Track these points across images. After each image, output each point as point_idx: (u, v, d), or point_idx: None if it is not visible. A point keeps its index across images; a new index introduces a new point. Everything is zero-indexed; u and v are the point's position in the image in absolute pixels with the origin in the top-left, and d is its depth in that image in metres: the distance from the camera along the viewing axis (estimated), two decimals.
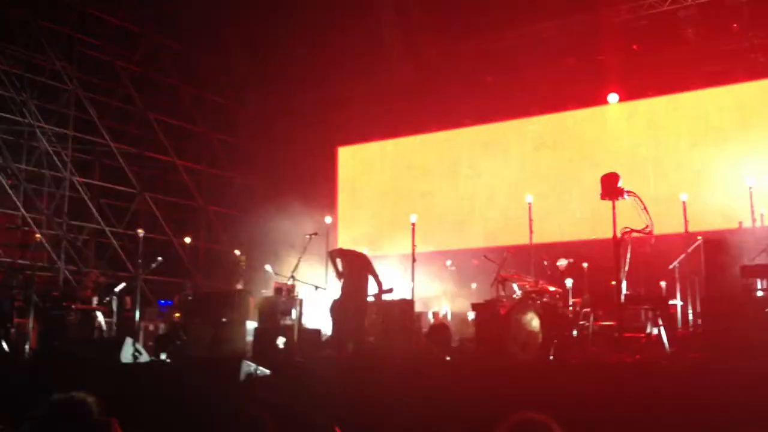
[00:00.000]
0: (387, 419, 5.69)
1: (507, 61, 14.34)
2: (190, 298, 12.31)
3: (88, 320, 11.50)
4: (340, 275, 9.15)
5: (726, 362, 6.05)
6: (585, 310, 8.70)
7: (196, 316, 10.61)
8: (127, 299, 12.96)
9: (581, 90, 13.67)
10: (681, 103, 13.30)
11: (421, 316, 10.35)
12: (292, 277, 10.35)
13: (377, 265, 9.57)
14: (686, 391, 5.66)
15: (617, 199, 7.56)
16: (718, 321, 7.44)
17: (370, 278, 9.19)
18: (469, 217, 14.50)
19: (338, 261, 9.28)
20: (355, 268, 9.22)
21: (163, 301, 14.80)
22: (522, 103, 14.27)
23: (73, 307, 11.52)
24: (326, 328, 9.92)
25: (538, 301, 8.47)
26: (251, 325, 10.31)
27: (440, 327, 9.07)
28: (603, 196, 7.68)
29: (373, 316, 9.50)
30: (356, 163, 16.92)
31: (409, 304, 9.78)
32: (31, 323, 10.85)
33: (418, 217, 10.61)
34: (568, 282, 9.64)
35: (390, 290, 9.45)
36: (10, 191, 14.45)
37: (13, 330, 10.82)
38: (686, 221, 9.87)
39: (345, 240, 15.58)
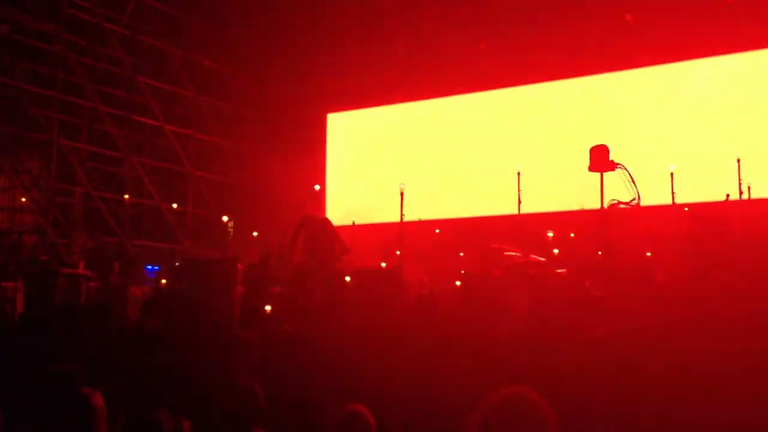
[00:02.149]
0: (372, 389, 5.70)
1: (499, 30, 14.24)
2: (177, 264, 12.30)
3: (75, 285, 11.48)
4: (291, 245, 9.29)
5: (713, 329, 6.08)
6: (572, 280, 8.72)
7: (183, 282, 10.57)
8: (115, 264, 12.94)
9: (572, 59, 13.59)
10: (671, 73, 13.25)
11: (408, 285, 10.34)
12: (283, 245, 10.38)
13: (366, 234, 9.68)
14: (675, 363, 5.69)
15: (605, 171, 7.56)
16: (703, 291, 7.48)
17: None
18: (459, 187, 14.47)
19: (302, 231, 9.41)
20: (321, 234, 9.31)
21: (150, 267, 14.79)
22: (513, 72, 14.19)
23: (60, 271, 11.48)
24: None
25: (527, 272, 8.49)
26: None
27: (426, 297, 9.08)
28: (591, 168, 7.69)
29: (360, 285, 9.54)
30: (346, 129, 16.84)
31: (396, 273, 9.79)
32: (17, 287, 10.83)
33: (407, 186, 10.60)
34: (556, 252, 9.67)
35: (348, 250, 9.60)
36: None
37: None
38: (673, 193, 9.89)
39: (333, 208, 15.57)
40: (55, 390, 3.03)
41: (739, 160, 9.92)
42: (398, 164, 14.97)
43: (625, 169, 7.55)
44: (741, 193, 9.87)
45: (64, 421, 2.85)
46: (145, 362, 6.45)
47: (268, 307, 8.67)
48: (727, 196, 9.94)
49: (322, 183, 15.92)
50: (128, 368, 6.12)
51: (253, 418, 4.00)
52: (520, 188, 10.39)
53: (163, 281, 11.35)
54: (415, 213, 11.83)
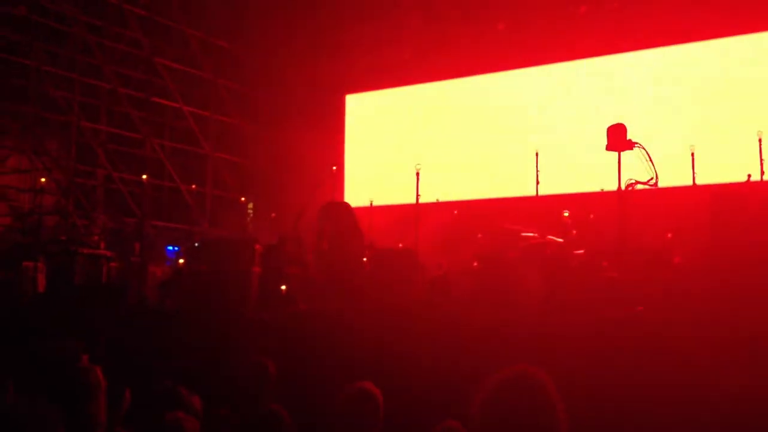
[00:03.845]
0: (386, 368, 5.71)
1: (518, 8, 14.09)
2: (196, 244, 12.36)
3: (95, 265, 11.59)
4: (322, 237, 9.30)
5: (732, 313, 6.02)
6: (589, 261, 8.66)
7: (201, 262, 10.63)
8: (135, 245, 13.04)
9: (592, 38, 13.43)
10: (691, 52, 13.06)
11: (424, 266, 10.36)
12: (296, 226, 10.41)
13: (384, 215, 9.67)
14: (688, 344, 5.64)
15: (623, 151, 7.49)
16: (723, 273, 7.39)
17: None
18: (477, 167, 14.40)
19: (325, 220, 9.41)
20: (343, 220, 9.30)
21: (170, 247, 14.89)
22: (531, 51, 14.04)
23: (80, 251, 11.59)
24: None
25: (543, 253, 8.44)
26: None
27: (440, 278, 9.08)
28: (609, 148, 7.62)
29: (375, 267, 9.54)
30: (364, 110, 16.79)
31: (412, 254, 9.78)
32: (38, 267, 10.96)
33: (425, 167, 10.58)
34: (573, 233, 9.60)
35: (369, 247, 9.61)
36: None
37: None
38: (694, 173, 9.77)
39: (351, 189, 15.57)
40: (55, 366, 3.07)
41: (761, 140, 9.77)
42: (416, 145, 14.92)
43: (643, 148, 7.45)
44: (762, 173, 9.72)
45: (63, 396, 2.87)
46: (159, 339, 6.51)
47: (283, 287, 8.73)
48: (749, 176, 9.80)
49: (341, 164, 15.91)
50: (142, 345, 6.18)
51: (264, 393, 4.03)
52: (538, 169, 10.31)
53: (182, 261, 11.44)
54: (432, 194, 11.81)
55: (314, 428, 3.84)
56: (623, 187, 7.40)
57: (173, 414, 3.29)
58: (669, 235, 10.26)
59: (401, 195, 12.52)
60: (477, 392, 2.47)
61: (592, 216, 10.59)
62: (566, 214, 9.90)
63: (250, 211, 16.63)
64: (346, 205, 10.50)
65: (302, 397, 4.51)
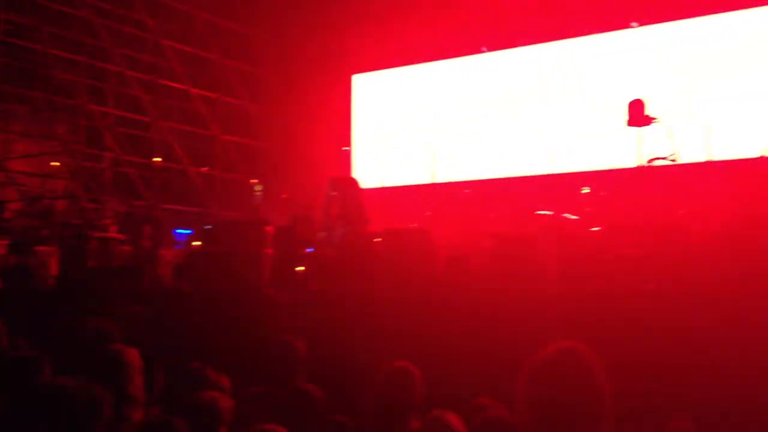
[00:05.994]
0: (403, 348, 5.70)
1: None
2: (208, 227, 12.33)
3: (107, 248, 11.61)
4: (330, 210, 9.25)
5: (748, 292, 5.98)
6: (605, 238, 8.61)
7: (213, 244, 10.62)
8: (146, 228, 13.04)
9: (607, 13, 13.29)
10: (706, 27, 12.93)
11: (438, 245, 10.34)
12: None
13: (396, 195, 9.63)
14: (701, 320, 5.63)
15: (642, 126, 7.44)
16: (737, 249, 7.35)
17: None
18: (489, 146, 14.32)
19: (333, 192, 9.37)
20: (351, 196, 9.28)
21: (180, 230, 14.87)
22: (545, 27, 13.90)
23: (92, 235, 11.61)
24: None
25: (558, 231, 8.40)
26: None
27: (458, 257, 9.05)
28: (630, 123, 7.57)
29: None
30: (372, 90, 16.69)
31: (426, 233, 9.74)
32: (50, 252, 10.97)
33: (436, 146, 10.53)
34: (588, 210, 9.57)
35: (368, 222, 9.59)
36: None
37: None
38: (709, 149, 9.72)
39: (359, 169, 15.51)
40: (91, 346, 3.07)
41: None
42: (427, 124, 14.84)
43: (663, 123, 7.40)
44: None
45: (104, 377, 2.87)
46: (184, 321, 6.50)
47: (300, 268, 8.71)
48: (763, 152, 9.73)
49: (349, 144, 15.85)
50: (168, 327, 6.17)
51: (294, 373, 4.02)
52: (552, 147, 10.28)
53: (195, 243, 11.43)
54: (444, 173, 11.78)
55: (346, 407, 3.83)
56: (644, 163, 7.35)
57: (209, 394, 3.28)
58: (681, 212, 10.20)
59: (413, 175, 12.49)
60: (522, 370, 2.46)
61: (603, 193, 10.55)
62: (587, 191, 9.86)
63: (258, 193, 16.60)
64: (354, 180, 10.46)
65: (329, 376, 4.50)
